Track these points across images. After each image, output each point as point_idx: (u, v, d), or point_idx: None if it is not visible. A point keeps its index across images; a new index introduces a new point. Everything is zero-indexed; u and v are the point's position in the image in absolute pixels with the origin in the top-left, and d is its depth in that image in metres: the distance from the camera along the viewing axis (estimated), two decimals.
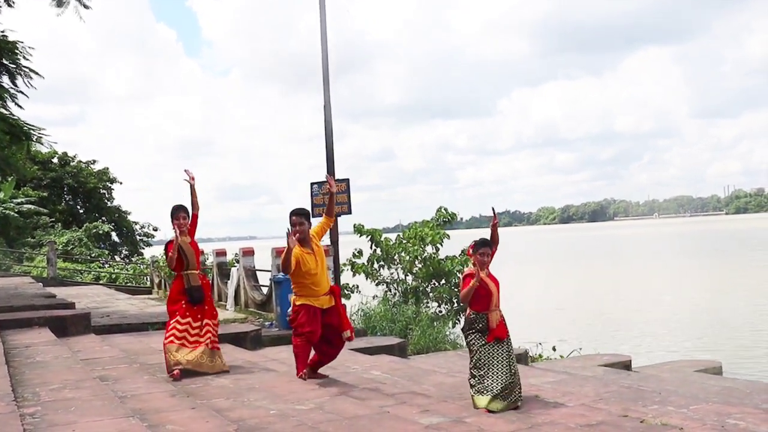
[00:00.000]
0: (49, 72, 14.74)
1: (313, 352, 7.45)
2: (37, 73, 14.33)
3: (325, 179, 13.39)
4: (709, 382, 10.18)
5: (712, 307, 25.48)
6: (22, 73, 14.12)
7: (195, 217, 7.94)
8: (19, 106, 14.53)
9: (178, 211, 7.82)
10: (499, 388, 6.09)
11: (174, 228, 7.78)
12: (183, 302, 7.68)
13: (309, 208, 13.78)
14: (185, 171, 7.86)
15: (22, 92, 14.34)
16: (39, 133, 14.99)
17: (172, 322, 7.67)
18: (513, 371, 6.24)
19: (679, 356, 15.13)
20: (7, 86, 14.22)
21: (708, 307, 25.58)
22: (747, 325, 20.90)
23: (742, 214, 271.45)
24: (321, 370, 7.63)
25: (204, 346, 7.66)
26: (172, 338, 7.54)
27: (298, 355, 7.34)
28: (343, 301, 14.20)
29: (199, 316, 7.74)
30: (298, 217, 7.30)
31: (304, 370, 7.32)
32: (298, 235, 7.13)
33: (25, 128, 14.58)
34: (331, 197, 7.72)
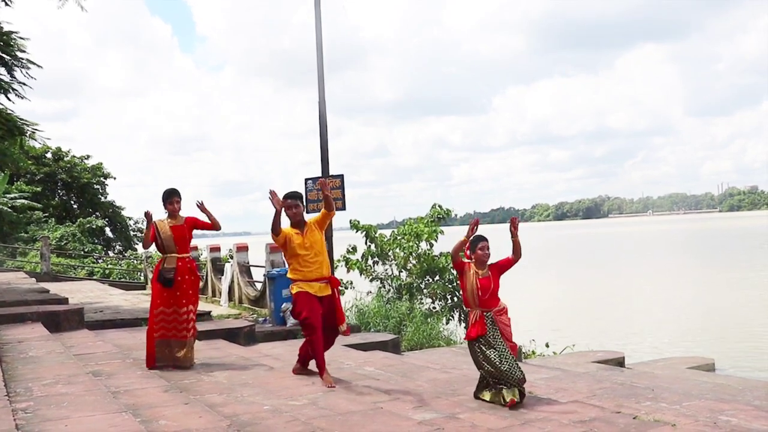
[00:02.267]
0: (43, 66, 14.63)
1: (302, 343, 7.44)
2: (35, 64, 14.24)
3: (319, 175, 13.40)
4: (702, 378, 10.21)
5: (705, 305, 25.55)
6: (20, 64, 14.03)
7: (210, 226, 7.89)
8: (23, 98, 14.43)
9: (171, 195, 7.76)
10: (508, 375, 6.13)
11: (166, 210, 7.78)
12: (159, 287, 7.61)
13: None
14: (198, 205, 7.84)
15: (24, 83, 14.24)
16: (32, 129, 14.91)
17: (156, 311, 7.59)
18: (504, 357, 6.18)
19: (672, 353, 15.17)
20: (6, 79, 14.13)
21: (701, 305, 25.65)
22: (740, 322, 20.95)
23: (735, 212, 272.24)
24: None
25: (191, 338, 7.67)
26: (158, 330, 7.56)
27: (316, 351, 7.09)
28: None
29: (184, 301, 7.62)
30: (293, 200, 7.26)
31: (324, 373, 7.07)
32: (281, 201, 7.07)
33: (19, 123, 14.50)
34: (325, 196, 7.48)
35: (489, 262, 6.33)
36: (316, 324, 7.05)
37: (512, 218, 6.48)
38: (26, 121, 14.78)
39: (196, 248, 22.28)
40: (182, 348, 7.61)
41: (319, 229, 7.37)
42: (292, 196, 7.31)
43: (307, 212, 13.31)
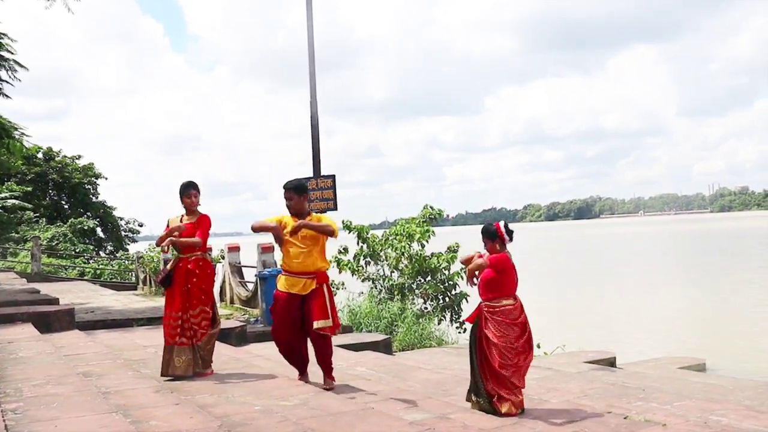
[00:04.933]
0: (33, 65, 14.60)
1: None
2: (21, 65, 14.19)
3: (311, 175, 13.36)
4: (693, 378, 10.24)
5: (696, 305, 25.64)
6: (6, 65, 13.98)
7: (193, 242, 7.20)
8: (8, 97, 14.36)
9: (189, 188, 7.19)
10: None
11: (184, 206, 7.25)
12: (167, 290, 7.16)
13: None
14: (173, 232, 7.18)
15: (8, 81, 14.17)
16: (21, 132, 14.86)
17: (165, 314, 7.18)
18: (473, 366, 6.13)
19: (662, 353, 15.20)
20: None
21: (692, 305, 25.74)
22: (731, 322, 21.03)
23: (726, 212, 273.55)
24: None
25: (190, 345, 7.07)
26: (166, 336, 7.06)
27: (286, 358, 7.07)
28: None
29: (187, 305, 7.08)
30: (287, 191, 6.84)
31: (299, 376, 7.09)
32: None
33: (6, 125, 14.45)
34: (314, 228, 6.79)
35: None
36: (283, 339, 6.89)
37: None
38: (14, 124, 14.73)
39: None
40: (181, 355, 7.06)
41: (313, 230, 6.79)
42: (287, 187, 6.89)
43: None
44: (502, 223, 6.13)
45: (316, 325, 6.62)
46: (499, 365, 5.89)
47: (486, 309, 6.04)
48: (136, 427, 4.81)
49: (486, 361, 5.98)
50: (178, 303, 7.09)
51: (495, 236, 6.11)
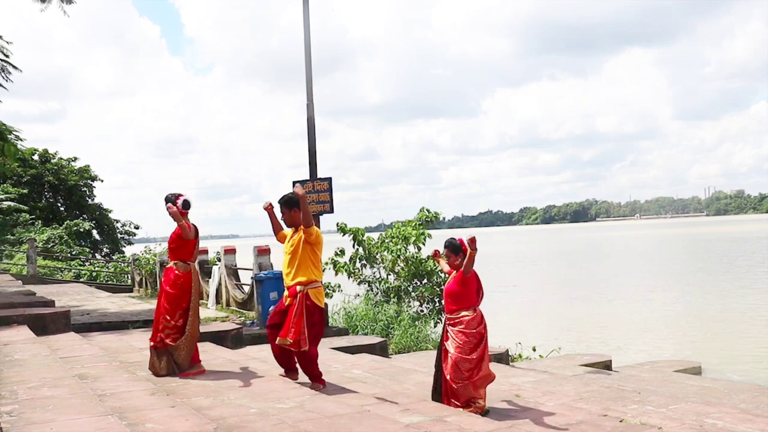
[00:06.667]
0: (29, 67, 14.56)
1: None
2: (15, 67, 14.16)
3: (308, 177, 13.37)
4: (689, 382, 10.26)
5: (691, 308, 25.66)
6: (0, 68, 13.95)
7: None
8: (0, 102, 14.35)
9: (167, 202, 7.44)
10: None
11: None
12: None
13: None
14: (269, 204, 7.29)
15: (2, 85, 14.14)
16: (16, 135, 14.84)
17: None
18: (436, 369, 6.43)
19: (658, 356, 15.23)
20: None
21: (688, 308, 25.76)
22: (726, 325, 21.06)
23: (722, 216, 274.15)
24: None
25: (162, 347, 7.20)
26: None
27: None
28: (326, 300, 14.13)
29: (160, 311, 7.31)
30: (281, 205, 7.05)
31: (285, 373, 7.19)
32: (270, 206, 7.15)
33: (1, 128, 14.43)
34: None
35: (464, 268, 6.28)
36: (268, 330, 7.11)
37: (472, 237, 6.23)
38: (9, 126, 14.71)
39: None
40: (161, 356, 7.24)
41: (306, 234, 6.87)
42: (280, 202, 7.08)
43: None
44: (465, 239, 6.23)
45: (278, 341, 6.73)
46: (451, 378, 6.17)
47: (447, 321, 6.31)
48: (132, 430, 4.80)
49: (443, 374, 6.31)
50: (157, 307, 7.39)
51: (459, 250, 6.33)
